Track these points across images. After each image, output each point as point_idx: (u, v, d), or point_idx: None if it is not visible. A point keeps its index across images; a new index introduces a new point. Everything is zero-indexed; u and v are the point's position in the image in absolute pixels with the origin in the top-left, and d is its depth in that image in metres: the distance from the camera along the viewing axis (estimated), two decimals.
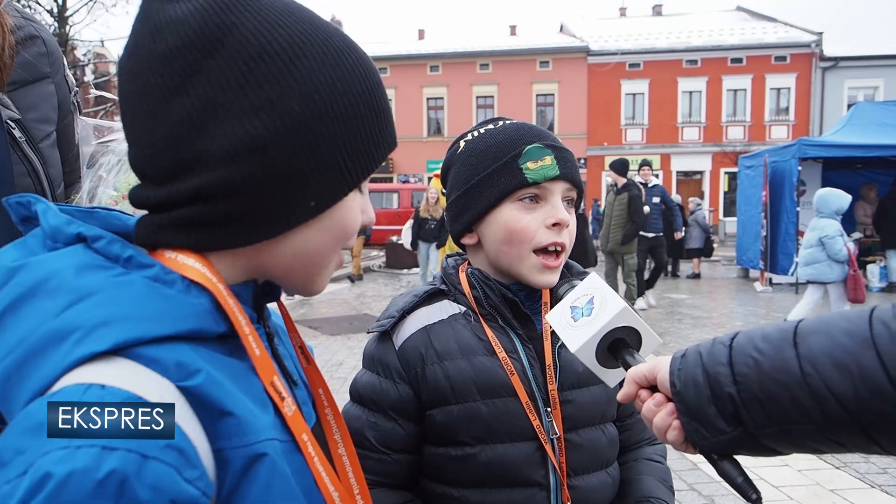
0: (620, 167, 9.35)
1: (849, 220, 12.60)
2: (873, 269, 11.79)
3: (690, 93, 31.78)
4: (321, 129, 0.62)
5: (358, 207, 0.69)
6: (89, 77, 28.72)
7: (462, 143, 1.19)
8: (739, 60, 31.20)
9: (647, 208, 9.64)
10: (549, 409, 1.10)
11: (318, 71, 0.62)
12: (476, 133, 1.18)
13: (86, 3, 20.35)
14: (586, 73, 32.09)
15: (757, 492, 0.74)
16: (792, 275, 11.70)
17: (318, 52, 0.63)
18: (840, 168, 12.48)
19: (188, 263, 0.62)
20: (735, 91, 31.46)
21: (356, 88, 0.65)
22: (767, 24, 33.50)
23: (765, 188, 12.22)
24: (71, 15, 20.16)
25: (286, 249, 0.66)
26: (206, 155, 0.60)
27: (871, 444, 0.67)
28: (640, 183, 10.07)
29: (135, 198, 0.66)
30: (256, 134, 0.60)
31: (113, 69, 27.58)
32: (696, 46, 31.52)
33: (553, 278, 1.11)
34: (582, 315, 0.91)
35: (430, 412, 1.11)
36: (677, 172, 31.98)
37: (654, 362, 0.82)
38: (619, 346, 0.89)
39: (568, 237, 1.12)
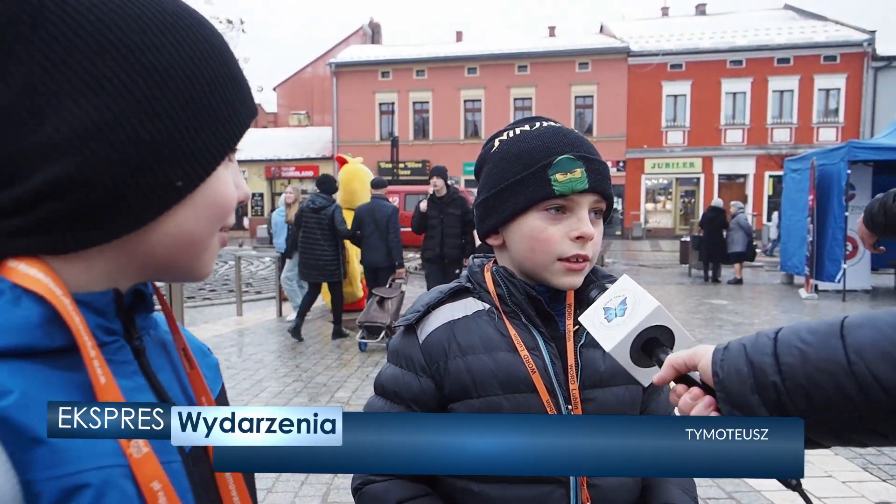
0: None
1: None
2: None
3: (734, 94, 31.15)
4: (171, 103, 0.58)
5: (230, 182, 0.65)
6: None
7: (497, 143, 1.20)
8: (786, 60, 30.44)
9: None
10: (569, 407, 1.11)
11: (155, 39, 0.57)
12: (511, 133, 1.18)
13: None
14: (626, 74, 31.72)
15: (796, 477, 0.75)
16: (838, 281, 11.36)
17: (154, 20, 0.58)
18: (892, 172, 12.06)
19: (25, 271, 0.56)
20: (781, 92, 30.71)
21: (200, 56, 0.60)
22: (816, 22, 32.62)
23: (812, 192, 11.90)
24: None
25: (159, 237, 0.61)
26: (41, 148, 0.54)
27: None
28: None
29: None
30: (96, 116, 0.55)
31: None
32: (740, 46, 30.88)
33: (576, 280, 1.13)
34: (615, 315, 0.93)
35: (451, 405, 1.13)
36: (719, 176, 31.37)
37: (694, 350, 0.83)
38: (652, 345, 0.91)
39: (592, 249, 1.12)
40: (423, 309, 1.18)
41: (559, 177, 1.09)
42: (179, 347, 0.71)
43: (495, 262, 1.24)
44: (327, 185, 7.97)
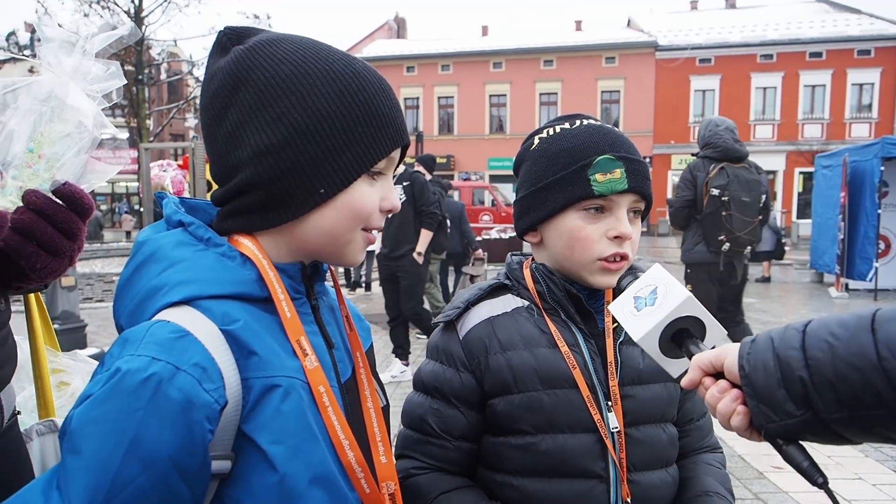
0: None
1: None
2: None
3: (764, 89, 30.57)
4: (321, 133, 0.80)
5: (369, 193, 0.85)
6: (163, 75, 29.95)
7: (536, 140, 1.20)
8: (819, 54, 29.79)
9: None
10: (609, 404, 1.11)
11: (318, 89, 0.80)
12: (551, 131, 1.18)
13: (160, 4, 21.23)
14: (654, 68, 31.32)
15: (823, 475, 0.73)
16: (870, 280, 11.11)
17: (319, 75, 0.80)
18: None
19: (245, 244, 0.83)
20: (813, 87, 30.07)
21: (352, 100, 0.81)
22: (850, 15, 31.88)
23: (843, 189, 11.65)
24: (147, 15, 21.09)
25: (310, 228, 0.83)
26: (241, 161, 0.81)
27: None
28: None
29: (212, 197, 0.88)
30: (268, 141, 0.80)
31: (185, 68, 28.69)
32: (771, 40, 30.30)
33: (612, 280, 1.13)
34: (645, 305, 0.92)
35: (491, 401, 1.14)
36: None
37: (720, 349, 0.82)
38: (683, 336, 0.89)
39: (630, 248, 1.12)
40: (462, 305, 1.19)
41: (599, 177, 1.09)
42: (343, 315, 0.97)
43: (533, 259, 1.24)
44: None
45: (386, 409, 0.97)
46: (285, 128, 0.79)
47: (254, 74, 0.80)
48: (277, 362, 0.77)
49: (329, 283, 0.99)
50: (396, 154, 0.87)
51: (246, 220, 0.83)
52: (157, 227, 0.85)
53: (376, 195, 0.86)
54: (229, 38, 0.85)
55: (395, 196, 0.88)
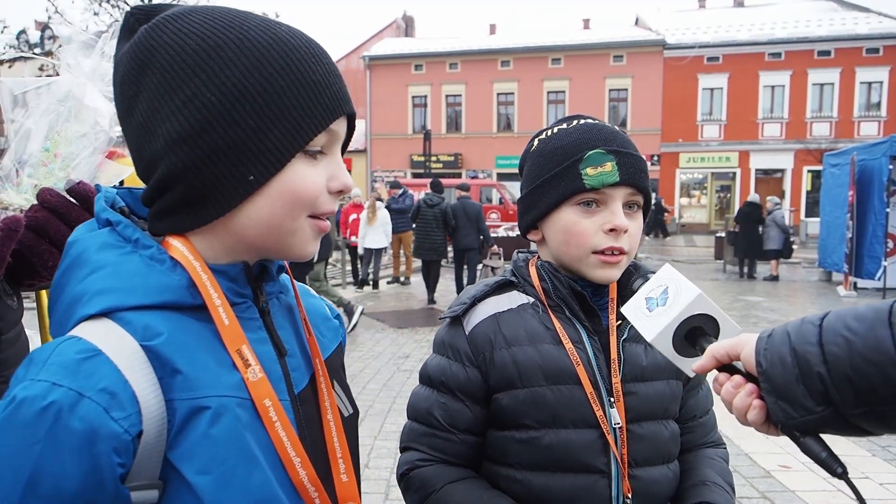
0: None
1: None
2: None
3: (773, 87, 30.36)
4: (240, 111, 0.70)
5: (310, 174, 0.74)
6: None
7: (536, 142, 1.24)
8: (827, 53, 29.58)
9: None
10: (612, 400, 1.13)
11: (232, 61, 0.70)
12: (549, 132, 1.22)
13: (170, 3, 21.31)
14: (662, 67, 31.17)
15: (842, 465, 0.74)
16: (879, 279, 11.06)
17: (233, 46, 0.70)
18: None
19: (175, 245, 0.74)
20: (821, 85, 29.85)
21: (273, 68, 0.71)
22: (859, 13, 31.63)
23: (851, 187, 11.59)
24: None
25: (246, 221, 0.73)
26: (156, 154, 0.72)
27: None
28: None
29: (141, 199, 0.78)
30: (181, 128, 0.70)
31: None
32: (779, 38, 30.08)
33: (612, 273, 1.14)
34: (657, 305, 0.92)
35: (496, 395, 1.16)
36: (756, 170, 30.68)
37: (736, 339, 0.82)
38: (696, 334, 0.89)
39: (627, 241, 1.14)
40: (469, 301, 1.22)
41: (590, 171, 1.12)
42: (302, 317, 0.86)
43: (539, 257, 1.27)
44: (439, 187, 10.84)
45: (353, 418, 0.89)
46: (198, 111, 0.69)
47: (158, 55, 0.70)
48: (208, 380, 0.69)
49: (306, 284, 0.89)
50: (340, 127, 0.77)
51: (175, 221, 0.74)
52: (90, 226, 0.76)
53: (320, 176, 0.75)
54: (136, 19, 0.75)
55: (345, 174, 0.77)
